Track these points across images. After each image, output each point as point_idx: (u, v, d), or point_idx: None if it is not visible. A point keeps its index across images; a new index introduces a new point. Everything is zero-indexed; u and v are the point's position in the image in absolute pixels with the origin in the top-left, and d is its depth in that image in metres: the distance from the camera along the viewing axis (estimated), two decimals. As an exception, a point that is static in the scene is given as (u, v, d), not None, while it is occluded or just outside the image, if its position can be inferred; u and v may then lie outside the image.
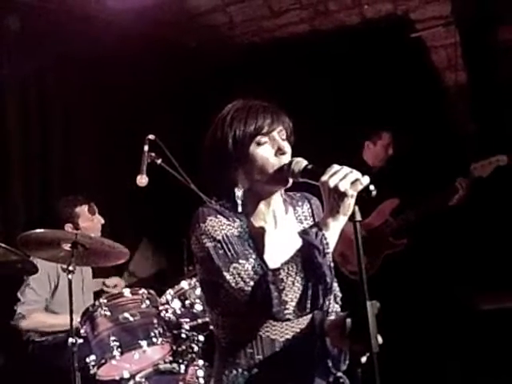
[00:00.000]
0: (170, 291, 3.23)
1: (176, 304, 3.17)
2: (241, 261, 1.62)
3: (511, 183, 4.00)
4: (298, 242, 1.72)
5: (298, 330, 1.73)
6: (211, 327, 2.68)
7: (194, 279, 3.22)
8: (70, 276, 3.03)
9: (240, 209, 1.73)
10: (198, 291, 3.17)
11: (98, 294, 3.91)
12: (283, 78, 4.52)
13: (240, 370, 1.71)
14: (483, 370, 3.55)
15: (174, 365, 3.21)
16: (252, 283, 1.59)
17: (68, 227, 3.64)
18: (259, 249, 1.71)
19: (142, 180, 3.22)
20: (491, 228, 4.15)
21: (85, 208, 3.71)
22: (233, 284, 1.61)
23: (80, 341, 3.01)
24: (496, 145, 4.02)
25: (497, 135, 4.18)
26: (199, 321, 3.16)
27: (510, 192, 4.10)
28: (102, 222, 3.76)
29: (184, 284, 3.22)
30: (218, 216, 1.69)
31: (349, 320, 1.60)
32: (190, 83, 4.69)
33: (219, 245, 1.65)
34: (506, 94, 4.29)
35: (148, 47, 4.40)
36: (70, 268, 3.04)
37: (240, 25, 4.80)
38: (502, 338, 3.71)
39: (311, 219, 1.87)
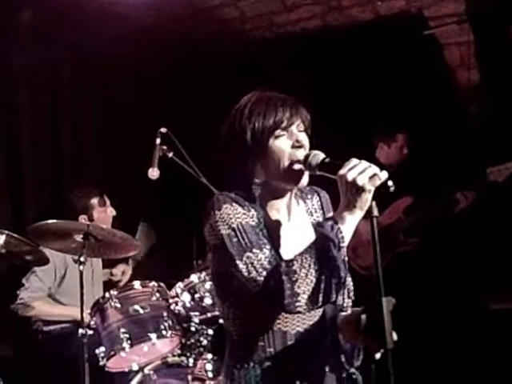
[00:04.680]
0: (180, 284, 3.23)
1: (186, 297, 3.17)
2: (254, 250, 1.61)
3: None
4: (309, 235, 1.72)
5: (310, 323, 1.72)
6: (221, 321, 2.69)
7: (204, 273, 3.23)
8: (81, 267, 3.05)
9: (256, 200, 1.72)
10: (208, 285, 3.17)
11: (105, 284, 3.93)
12: (294, 74, 4.51)
13: (251, 364, 1.69)
14: (493, 369, 3.55)
15: (183, 358, 3.22)
16: (265, 273, 1.58)
17: (82, 219, 3.65)
18: (273, 240, 1.70)
19: (154, 173, 3.22)
20: (502, 229, 4.14)
21: (98, 199, 3.72)
22: (245, 273, 1.60)
23: (90, 332, 3.03)
24: (509, 145, 4.00)
25: (509, 135, 4.16)
26: (208, 314, 3.16)
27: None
28: (114, 213, 3.77)
29: (194, 277, 3.22)
30: (234, 204, 1.67)
31: (363, 316, 1.59)
32: (201, 77, 4.68)
33: (233, 233, 1.63)
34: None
35: (160, 40, 4.41)
36: (82, 259, 3.05)
37: (252, 19, 4.79)
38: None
39: (321, 212, 1.87)
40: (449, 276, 4.06)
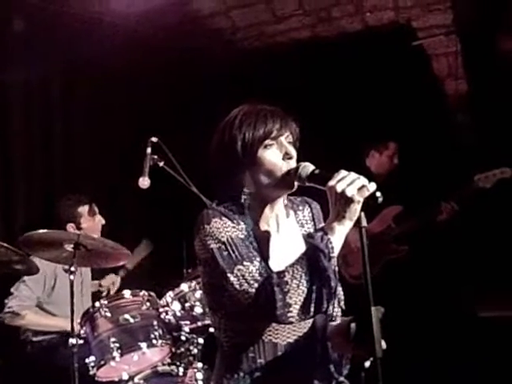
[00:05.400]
0: (170, 293, 3.22)
1: (176, 306, 3.17)
2: (245, 263, 1.63)
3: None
4: (299, 246, 1.73)
5: (301, 334, 1.74)
6: (211, 330, 2.70)
7: (194, 282, 3.23)
8: (71, 277, 3.04)
9: (246, 212, 1.74)
10: (198, 294, 3.17)
11: (94, 296, 3.91)
12: (284, 83, 4.54)
13: (241, 374, 1.71)
14: (484, 379, 3.58)
15: (173, 367, 3.21)
16: (256, 285, 1.60)
17: (70, 227, 3.64)
18: (263, 252, 1.72)
19: (144, 182, 3.21)
20: (491, 236, 4.19)
21: (86, 208, 3.70)
22: (237, 286, 1.61)
23: (80, 342, 3.02)
24: (495, 154, 4.05)
25: (496, 145, 4.21)
26: (199, 323, 3.15)
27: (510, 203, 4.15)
28: (103, 222, 3.76)
29: (184, 286, 3.22)
30: (223, 218, 1.70)
31: (353, 325, 1.62)
32: (192, 86, 4.70)
33: (224, 246, 1.65)
34: (506, 104, 4.33)
35: (151, 50, 4.42)
36: (72, 269, 3.05)
37: (242, 29, 4.82)
38: (500, 345, 3.74)
39: (312, 223, 1.89)
40: (438, 283, 4.09)
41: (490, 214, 4.15)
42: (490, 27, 4.37)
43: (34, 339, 3.59)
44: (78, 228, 3.64)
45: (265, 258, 1.71)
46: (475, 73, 4.54)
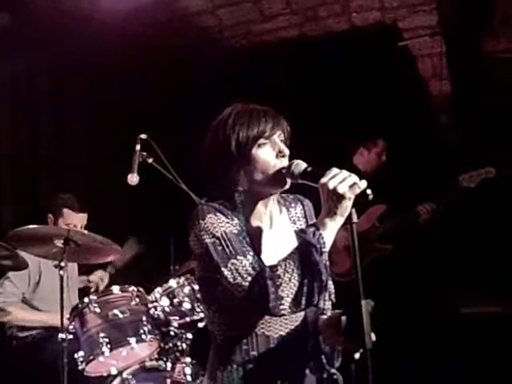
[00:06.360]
0: (159, 289, 3.25)
1: (164, 302, 3.20)
2: (239, 257, 1.66)
3: (497, 194, 4.11)
4: (291, 243, 1.77)
5: (293, 327, 1.78)
6: (200, 325, 2.73)
7: (183, 278, 3.26)
8: (61, 272, 3.05)
9: (239, 209, 1.78)
10: (187, 290, 3.21)
11: (82, 291, 3.92)
12: (270, 82, 4.57)
13: (235, 366, 1.75)
14: (466, 373, 3.64)
15: (160, 362, 3.23)
16: (249, 279, 1.63)
17: (49, 217, 3.66)
18: (256, 247, 1.75)
19: (133, 179, 3.23)
20: (473, 234, 4.26)
21: (73, 214, 3.67)
22: (231, 280, 1.65)
23: (69, 337, 3.04)
24: (479, 155, 4.12)
25: (480, 146, 4.28)
26: (187, 319, 3.19)
27: (494, 202, 4.22)
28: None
29: (172, 282, 3.25)
30: (217, 214, 1.73)
31: (344, 318, 1.66)
32: (181, 84, 4.72)
33: (218, 241, 1.69)
34: (490, 105, 4.40)
35: (140, 47, 4.43)
36: (62, 264, 3.06)
37: (229, 28, 4.84)
38: (481, 341, 3.81)
39: (304, 220, 1.92)
40: (422, 281, 4.16)
41: (474, 212, 4.22)
42: (474, 29, 4.44)
43: (20, 335, 3.60)
44: (55, 224, 3.63)
45: (257, 253, 1.74)
46: (459, 74, 4.61)
